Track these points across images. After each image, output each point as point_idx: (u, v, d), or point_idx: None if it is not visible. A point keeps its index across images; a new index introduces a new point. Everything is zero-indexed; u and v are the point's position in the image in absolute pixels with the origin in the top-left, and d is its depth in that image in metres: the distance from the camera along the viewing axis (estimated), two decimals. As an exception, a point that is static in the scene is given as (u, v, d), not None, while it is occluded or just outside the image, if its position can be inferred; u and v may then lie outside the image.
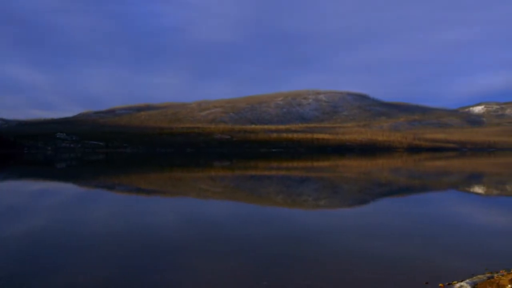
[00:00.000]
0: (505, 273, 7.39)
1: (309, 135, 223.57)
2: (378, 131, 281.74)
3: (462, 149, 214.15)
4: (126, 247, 9.81)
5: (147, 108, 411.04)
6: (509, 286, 6.55)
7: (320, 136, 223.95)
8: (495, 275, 7.31)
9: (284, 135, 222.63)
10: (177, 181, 31.84)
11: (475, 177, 38.13)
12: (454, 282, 6.94)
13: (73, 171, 44.75)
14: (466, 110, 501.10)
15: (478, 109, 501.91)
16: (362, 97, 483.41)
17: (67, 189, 25.25)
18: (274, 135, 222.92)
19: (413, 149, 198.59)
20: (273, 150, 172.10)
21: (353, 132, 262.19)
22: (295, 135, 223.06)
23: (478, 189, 26.06)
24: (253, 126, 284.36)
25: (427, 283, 6.98)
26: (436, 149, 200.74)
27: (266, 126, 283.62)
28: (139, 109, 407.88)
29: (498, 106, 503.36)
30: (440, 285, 6.86)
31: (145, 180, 33.03)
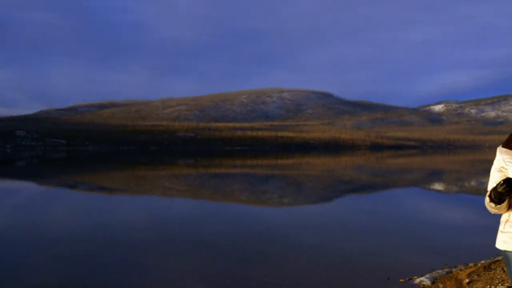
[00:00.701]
0: (463, 267, 7.57)
1: (273, 133, 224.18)
2: (342, 129, 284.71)
3: (423, 147, 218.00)
4: (86, 246, 9.66)
5: (110, 105, 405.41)
6: (467, 280, 6.71)
7: (284, 134, 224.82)
8: (454, 269, 7.48)
9: (249, 133, 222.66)
10: (140, 180, 31.55)
11: (435, 175, 38.93)
12: (414, 277, 7.07)
13: (33, 170, 43.84)
14: (427, 108, 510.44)
15: (438, 108, 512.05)
16: (326, 96, 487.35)
17: (26, 188, 24.71)
18: (239, 133, 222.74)
19: (376, 147, 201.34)
20: (238, 148, 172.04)
21: (317, 130, 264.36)
22: (260, 133, 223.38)
23: (438, 186, 26.62)
24: (217, 124, 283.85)
25: (388, 278, 7.08)
26: (398, 147, 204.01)
27: (230, 124, 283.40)
28: (102, 106, 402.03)
29: (457, 105, 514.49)
30: (401, 280, 6.97)
31: (108, 178, 32.63)
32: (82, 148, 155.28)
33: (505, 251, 3.08)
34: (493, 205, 2.94)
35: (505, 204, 2.96)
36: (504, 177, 3.00)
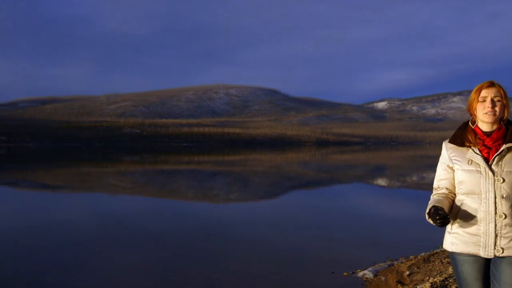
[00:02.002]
0: (404, 260, 7.81)
1: (220, 129, 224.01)
2: (288, 126, 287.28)
3: (366, 143, 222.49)
4: (27, 246, 9.42)
5: (53, 101, 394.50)
6: (407, 272, 6.94)
7: (231, 130, 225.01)
8: (395, 262, 7.71)
9: (195, 129, 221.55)
10: (84, 177, 30.92)
11: (378, 170, 39.83)
12: (358, 270, 7.24)
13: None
14: (371, 105, 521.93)
15: (381, 104, 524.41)
16: (273, 92, 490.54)
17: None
18: (185, 129, 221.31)
19: (321, 143, 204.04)
20: (184, 144, 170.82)
21: (264, 126, 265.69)
22: (206, 129, 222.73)
23: (381, 181, 27.27)
24: (163, 120, 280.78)
25: (333, 272, 7.23)
26: (342, 143, 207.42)
27: (177, 120, 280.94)
28: (44, 102, 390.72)
29: (400, 102, 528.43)
30: (344, 273, 7.13)
31: (50, 175, 31.80)
32: (23, 145, 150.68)
33: (452, 253, 2.99)
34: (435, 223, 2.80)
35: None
36: (451, 179, 2.99)
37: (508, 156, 2.82)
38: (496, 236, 2.77)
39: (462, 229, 2.89)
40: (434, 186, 3.11)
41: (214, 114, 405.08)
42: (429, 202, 2.94)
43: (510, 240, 2.76)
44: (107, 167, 43.02)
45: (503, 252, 2.76)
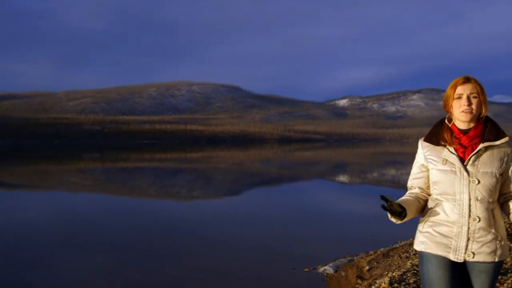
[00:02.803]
0: (364, 255, 7.96)
1: (182, 126, 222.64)
2: (250, 123, 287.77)
3: (328, 140, 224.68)
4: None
5: (10, 97, 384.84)
6: (367, 267, 7.08)
7: (194, 127, 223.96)
8: (355, 258, 7.85)
9: (157, 126, 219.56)
10: (43, 175, 30.32)
11: (340, 167, 40.29)
12: (318, 266, 7.34)
13: None
14: (332, 103, 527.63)
15: (343, 102, 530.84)
16: (235, 89, 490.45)
17: None
18: (147, 126, 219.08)
19: (284, 140, 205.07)
20: (146, 141, 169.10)
21: (226, 123, 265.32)
22: (169, 126, 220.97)
23: (342, 178, 27.60)
24: (125, 117, 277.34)
25: (294, 268, 7.30)
26: (305, 140, 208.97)
27: (138, 117, 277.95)
28: (1, 98, 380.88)
29: (361, 100, 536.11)
30: (305, 269, 7.22)
31: (7, 173, 31.04)
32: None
33: (421, 252, 2.85)
34: (394, 220, 2.78)
35: (410, 214, 2.80)
36: (425, 178, 2.89)
37: (485, 156, 2.71)
38: (468, 239, 2.66)
39: (434, 230, 2.77)
40: (408, 185, 3.01)
41: (176, 111, 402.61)
42: (400, 199, 2.85)
43: (483, 245, 2.65)
44: (67, 164, 42.28)
45: (473, 257, 2.66)
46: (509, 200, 2.77)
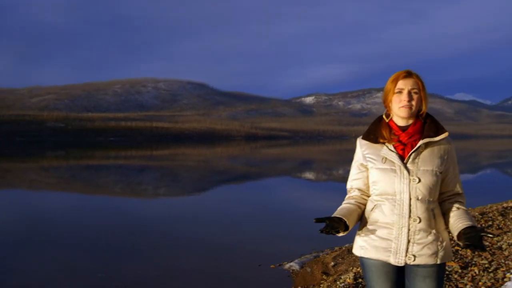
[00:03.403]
0: (329, 251, 8.06)
1: (148, 124, 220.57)
2: (217, 120, 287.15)
3: (295, 138, 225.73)
4: None
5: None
6: (332, 263, 7.17)
7: (160, 124, 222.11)
8: (321, 254, 7.94)
9: (123, 123, 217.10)
10: (5, 173, 29.70)
11: (306, 164, 40.60)
12: (284, 262, 7.40)
13: None
14: (298, 100, 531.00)
15: (309, 99, 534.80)
16: (202, 86, 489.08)
17: None
18: (112, 123, 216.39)
19: (250, 138, 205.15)
20: (111, 139, 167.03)
21: (193, 120, 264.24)
22: (134, 124, 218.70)
23: (308, 175, 27.83)
24: (89, 114, 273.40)
25: (260, 265, 7.35)
26: (271, 138, 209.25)
27: (103, 114, 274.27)
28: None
29: (326, 97, 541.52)
30: (271, 266, 7.27)
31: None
32: None
33: (361, 258, 2.70)
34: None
35: (352, 223, 2.63)
36: (364, 178, 2.71)
37: (425, 153, 2.57)
38: (408, 241, 2.51)
39: (373, 233, 2.60)
40: (347, 187, 2.84)
41: (142, 108, 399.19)
42: (338, 208, 2.72)
43: (424, 247, 2.51)
44: (30, 163, 41.48)
45: (414, 259, 2.51)
46: (447, 199, 2.66)
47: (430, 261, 2.51)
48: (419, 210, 2.51)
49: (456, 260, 6.03)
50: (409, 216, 2.51)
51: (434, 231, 2.54)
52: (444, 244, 2.56)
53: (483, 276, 5.34)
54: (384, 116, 2.72)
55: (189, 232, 10.34)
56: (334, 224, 2.54)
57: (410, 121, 2.62)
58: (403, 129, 2.62)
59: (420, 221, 2.51)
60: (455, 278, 5.32)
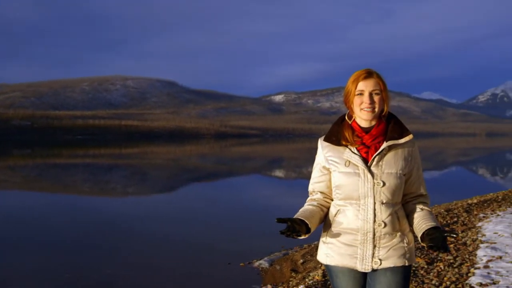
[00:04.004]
0: (298, 249, 8.12)
1: (116, 122, 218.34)
2: (187, 118, 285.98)
3: (264, 136, 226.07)
4: None
5: None
6: (301, 260, 7.23)
7: (128, 122, 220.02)
8: (290, 251, 8.00)
9: (91, 121, 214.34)
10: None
11: (275, 162, 40.73)
12: (254, 260, 7.43)
13: None
14: (268, 98, 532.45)
15: (278, 98, 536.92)
16: (171, 84, 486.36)
17: None
18: (80, 121, 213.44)
19: (220, 136, 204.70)
20: (79, 137, 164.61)
21: (162, 119, 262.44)
22: (102, 122, 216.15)
23: (277, 173, 27.94)
24: (56, 112, 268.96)
25: (229, 263, 7.36)
26: (241, 136, 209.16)
27: (71, 112, 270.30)
28: None
29: (296, 96, 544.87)
30: (241, 264, 7.30)
31: None
32: None
33: (327, 265, 2.60)
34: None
35: (314, 225, 2.53)
36: (327, 181, 2.60)
37: (389, 155, 2.48)
38: (374, 246, 2.44)
39: (338, 239, 2.51)
40: (309, 190, 2.73)
41: (110, 106, 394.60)
42: (300, 210, 2.64)
43: (389, 250, 2.45)
44: (-5, 161, 40.66)
45: (380, 263, 2.44)
46: (411, 200, 2.59)
47: (397, 263, 2.45)
48: (383, 214, 2.43)
49: (422, 256, 6.14)
50: (374, 221, 2.43)
51: (399, 233, 2.48)
52: (410, 245, 2.51)
53: (448, 271, 5.45)
54: (346, 117, 2.60)
55: (158, 231, 10.28)
56: (296, 227, 2.44)
57: (373, 122, 2.51)
58: (366, 130, 2.51)
59: (385, 226, 2.43)
60: (421, 274, 5.41)
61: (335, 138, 2.55)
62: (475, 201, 11.35)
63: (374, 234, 2.43)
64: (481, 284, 4.84)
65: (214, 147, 79.42)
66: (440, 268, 5.59)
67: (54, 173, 27.80)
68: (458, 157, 49.29)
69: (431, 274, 5.40)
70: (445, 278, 5.19)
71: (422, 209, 2.55)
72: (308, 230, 2.47)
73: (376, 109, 2.46)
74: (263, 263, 7.27)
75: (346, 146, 2.51)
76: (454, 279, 5.16)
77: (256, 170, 30.47)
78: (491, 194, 13.09)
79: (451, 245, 6.64)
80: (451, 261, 5.85)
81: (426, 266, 5.67)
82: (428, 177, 24.83)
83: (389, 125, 2.53)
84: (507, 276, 5.03)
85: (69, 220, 11.78)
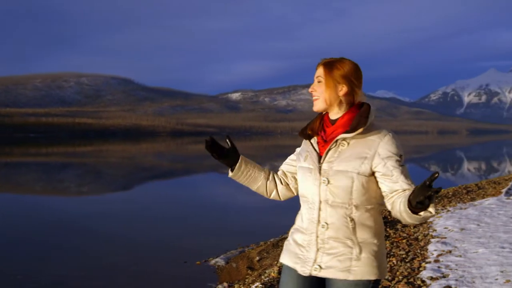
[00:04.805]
0: (254, 246, 8.15)
1: (70, 119, 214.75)
2: (143, 116, 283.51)
3: (221, 133, 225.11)
4: None
5: None
6: (257, 257, 7.26)
7: (83, 120, 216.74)
8: (246, 249, 8.03)
9: (43, 119, 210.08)
10: None
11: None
12: (210, 258, 7.43)
13: None
14: (225, 96, 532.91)
15: (235, 95, 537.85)
16: (127, 82, 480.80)
17: None
18: (32, 119, 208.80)
19: (177, 134, 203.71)
20: (31, 135, 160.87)
21: (117, 116, 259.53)
22: (56, 119, 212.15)
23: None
24: (7, 109, 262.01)
25: (185, 262, 7.34)
26: (198, 134, 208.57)
27: (22, 110, 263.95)
28: None
29: (253, 93, 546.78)
30: (197, 262, 7.28)
31: None
32: None
33: (282, 264, 2.49)
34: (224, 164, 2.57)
35: (247, 170, 2.54)
36: (293, 167, 2.49)
37: (346, 150, 2.21)
38: (317, 250, 2.22)
39: (293, 237, 2.37)
40: None
41: (63, 103, 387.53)
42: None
43: (333, 258, 2.19)
44: None
45: (320, 271, 2.20)
46: (396, 198, 2.17)
47: (339, 276, 2.17)
48: (328, 216, 2.20)
49: (376, 251, 6.25)
50: (318, 222, 2.22)
51: (349, 242, 2.19)
52: (362, 258, 2.19)
53: (401, 266, 5.57)
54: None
55: (113, 230, 10.17)
56: (216, 146, 2.53)
57: (340, 114, 2.29)
58: (332, 123, 2.31)
59: (327, 228, 2.20)
60: (375, 269, 5.52)
61: (305, 131, 2.39)
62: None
63: (317, 236, 2.22)
64: (431, 278, 4.97)
65: (171, 145, 78.93)
66: (393, 263, 5.71)
67: (5, 172, 27.10)
68: (411, 154, 50.33)
69: (384, 269, 5.50)
70: (398, 273, 5.31)
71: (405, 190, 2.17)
72: (233, 162, 2.55)
73: (320, 99, 2.27)
74: (219, 261, 7.28)
75: (311, 139, 2.36)
76: (406, 273, 5.28)
77: (212, 168, 30.37)
78: (442, 190, 13.41)
79: (404, 240, 6.80)
80: (403, 256, 5.99)
81: (379, 261, 5.78)
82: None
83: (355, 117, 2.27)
84: (456, 269, 5.18)
85: (20, 220, 11.51)
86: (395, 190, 2.17)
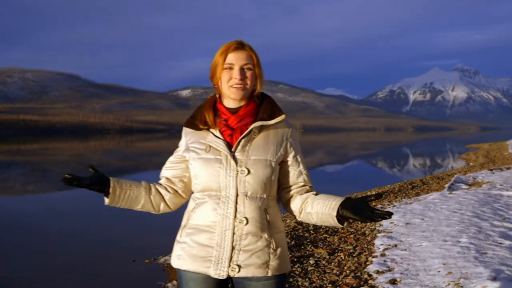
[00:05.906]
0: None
1: (14, 116, 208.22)
2: (90, 113, 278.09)
3: (171, 131, 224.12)
4: None
5: None
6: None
7: (28, 117, 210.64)
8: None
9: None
10: None
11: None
12: (159, 257, 7.37)
13: None
14: (175, 93, 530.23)
15: (185, 92, 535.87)
16: (74, 78, 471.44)
17: None
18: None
19: (126, 131, 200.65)
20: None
21: (64, 113, 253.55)
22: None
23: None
24: None
25: (134, 260, 7.27)
26: (147, 131, 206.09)
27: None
28: None
29: (203, 90, 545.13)
30: (146, 261, 7.22)
31: None
32: None
33: (178, 270, 2.21)
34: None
35: (124, 193, 2.33)
36: (180, 170, 2.31)
37: (258, 139, 2.13)
38: (233, 248, 2.06)
39: (192, 238, 2.15)
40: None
41: (7, 99, 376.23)
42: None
43: (251, 255, 2.06)
44: None
45: (239, 270, 2.05)
46: (297, 192, 2.20)
47: (258, 273, 2.06)
48: (247, 209, 2.07)
49: (325, 247, 6.37)
50: (235, 217, 2.06)
51: (266, 235, 2.09)
52: (278, 252, 2.12)
53: (348, 260, 5.70)
54: (217, 96, 2.29)
55: (59, 229, 9.98)
56: (86, 178, 2.25)
57: (242, 102, 2.18)
58: (233, 111, 2.18)
59: (247, 223, 2.06)
60: (323, 264, 5.62)
61: (197, 122, 2.23)
62: (373, 193, 11.89)
63: (233, 233, 2.06)
64: (378, 272, 5.10)
65: (120, 142, 77.87)
66: (341, 258, 5.83)
67: None
68: (358, 151, 51.38)
69: (332, 264, 5.62)
70: (345, 267, 5.43)
71: (317, 193, 2.19)
72: (105, 187, 2.27)
73: (248, 87, 2.14)
74: (169, 259, 7.24)
75: (208, 129, 2.18)
76: (353, 267, 5.40)
77: (162, 166, 30.21)
78: (389, 186, 13.75)
79: (351, 236, 6.94)
80: (351, 250, 6.13)
81: (328, 257, 5.90)
82: (330, 171, 25.74)
83: (261, 106, 2.20)
84: (401, 263, 5.34)
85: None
86: (296, 183, 2.18)
